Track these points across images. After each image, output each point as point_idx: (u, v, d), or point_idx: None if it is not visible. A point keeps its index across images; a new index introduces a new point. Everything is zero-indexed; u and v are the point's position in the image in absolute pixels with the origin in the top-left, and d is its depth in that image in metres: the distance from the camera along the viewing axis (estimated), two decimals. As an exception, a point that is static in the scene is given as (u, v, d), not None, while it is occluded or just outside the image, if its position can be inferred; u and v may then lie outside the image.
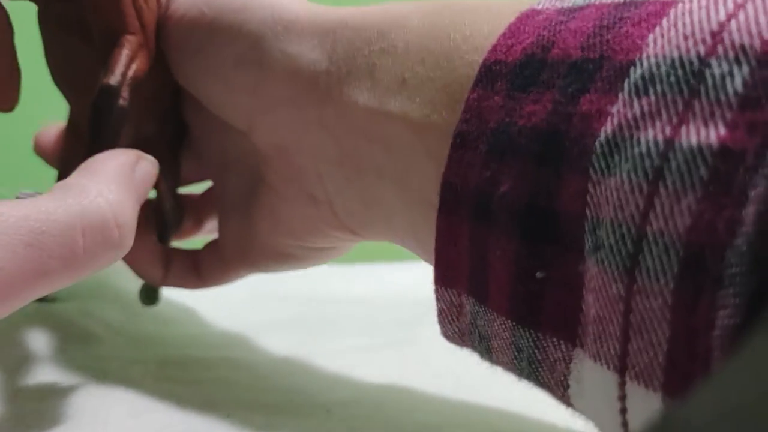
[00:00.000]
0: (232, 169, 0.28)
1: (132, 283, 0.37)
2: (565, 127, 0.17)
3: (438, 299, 0.21)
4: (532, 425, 0.24)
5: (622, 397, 0.16)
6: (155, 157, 0.23)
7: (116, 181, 0.20)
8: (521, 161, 0.17)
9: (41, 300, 0.30)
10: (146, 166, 0.22)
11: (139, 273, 0.30)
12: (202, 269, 0.30)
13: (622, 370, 0.15)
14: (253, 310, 0.38)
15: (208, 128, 0.28)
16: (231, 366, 0.29)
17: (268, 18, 0.24)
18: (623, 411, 0.16)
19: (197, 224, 0.32)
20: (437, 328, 0.31)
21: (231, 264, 0.29)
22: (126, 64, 0.23)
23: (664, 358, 0.14)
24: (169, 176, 0.29)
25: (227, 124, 0.26)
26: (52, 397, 0.24)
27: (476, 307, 0.19)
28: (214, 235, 0.30)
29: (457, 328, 0.21)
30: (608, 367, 0.16)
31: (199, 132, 0.29)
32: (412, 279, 0.42)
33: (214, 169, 0.30)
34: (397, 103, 0.21)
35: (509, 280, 0.18)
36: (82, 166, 0.21)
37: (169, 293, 0.38)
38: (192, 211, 0.32)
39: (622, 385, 0.15)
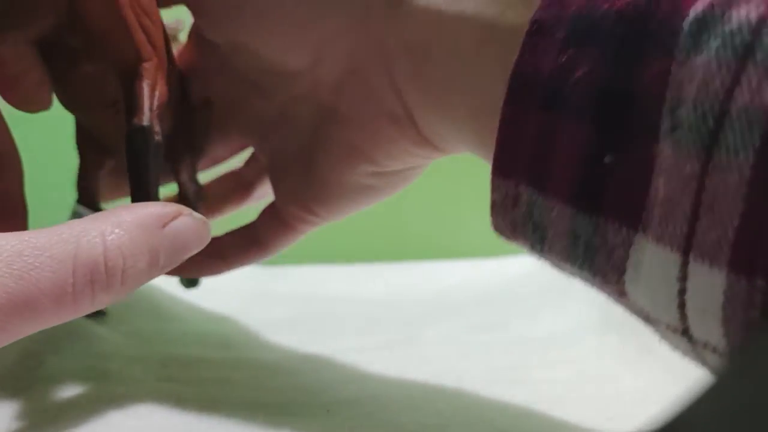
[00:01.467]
0: (280, 123, 0.28)
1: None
2: (652, 8, 0.17)
3: (493, 191, 0.21)
4: (533, 424, 0.24)
5: (683, 278, 0.16)
6: (172, 150, 0.23)
7: (128, 227, 0.19)
8: (601, 45, 0.18)
9: (89, 316, 0.31)
10: (185, 222, 0.20)
11: (199, 273, 0.30)
12: (263, 237, 0.29)
13: (686, 250, 0.16)
14: (254, 309, 0.38)
15: (241, 95, 0.28)
16: (232, 365, 0.29)
17: None
18: (682, 292, 0.16)
19: (246, 194, 0.32)
20: (437, 327, 0.31)
21: (295, 222, 0.28)
22: (150, 97, 0.23)
23: (733, 234, 0.15)
24: (189, 165, 0.29)
25: (271, 77, 0.26)
26: (53, 397, 0.24)
27: (534, 197, 0.19)
28: (266, 200, 0.30)
29: (510, 219, 0.21)
30: (672, 249, 0.16)
31: (230, 104, 0.29)
32: (412, 279, 0.42)
33: (255, 134, 0.29)
34: (471, 2, 0.21)
35: (575, 165, 0.18)
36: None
37: (171, 293, 0.38)
38: (238, 184, 0.31)
39: (684, 265, 0.16)
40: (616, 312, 0.34)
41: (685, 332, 0.17)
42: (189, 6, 0.26)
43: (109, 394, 0.24)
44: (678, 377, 0.28)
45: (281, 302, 0.39)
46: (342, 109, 0.25)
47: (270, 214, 0.29)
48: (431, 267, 0.44)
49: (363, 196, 0.27)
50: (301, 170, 0.27)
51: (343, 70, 0.24)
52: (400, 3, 0.22)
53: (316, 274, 0.44)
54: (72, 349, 0.28)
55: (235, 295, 0.40)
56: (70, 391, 0.25)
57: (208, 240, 0.21)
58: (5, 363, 0.26)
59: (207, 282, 0.41)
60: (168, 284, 0.38)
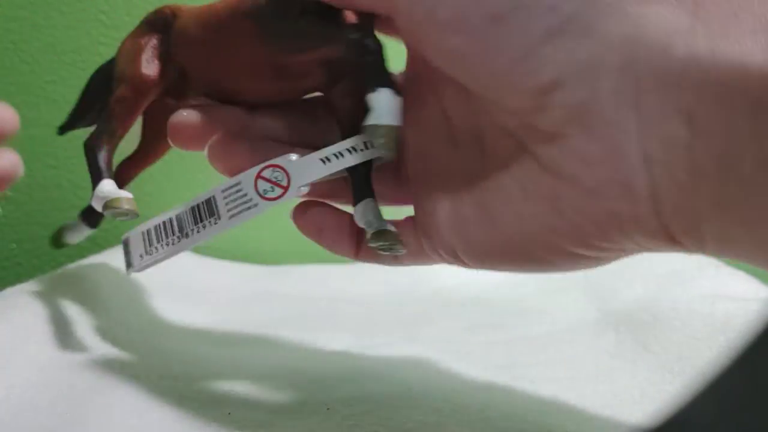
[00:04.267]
0: (472, 153, 0.24)
1: (132, 282, 0.37)
2: None
3: None
4: (531, 423, 0.24)
5: None
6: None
7: None
8: None
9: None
10: None
11: (331, 249, 0.27)
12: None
13: None
14: (255, 308, 0.38)
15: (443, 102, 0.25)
16: (232, 364, 0.29)
17: None
18: None
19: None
20: (437, 327, 0.31)
21: (437, 251, 0.25)
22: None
23: None
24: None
25: (479, 102, 0.23)
26: (55, 396, 0.24)
27: None
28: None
29: None
30: None
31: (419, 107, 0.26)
32: (412, 279, 0.42)
33: (436, 143, 0.26)
34: None
35: None
36: None
37: (171, 293, 0.38)
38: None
39: None
40: (613, 311, 0.34)
41: None
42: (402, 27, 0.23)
43: (111, 393, 0.25)
44: (675, 375, 0.28)
45: (281, 302, 0.39)
46: (550, 158, 0.21)
47: (411, 225, 0.26)
48: (431, 268, 0.44)
49: (530, 265, 0.24)
50: (479, 215, 0.24)
51: (572, 115, 0.20)
52: (690, 49, 0.18)
53: (316, 274, 0.44)
54: (73, 350, 0.28)
55: (235, 295, 0.40)
56: (71, 390, 0.25)
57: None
58: (5, 363, 0.26)
59: (207, 282, 0.42)
60: (168, 284, 0.38)
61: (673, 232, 0.20)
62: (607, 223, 0.21)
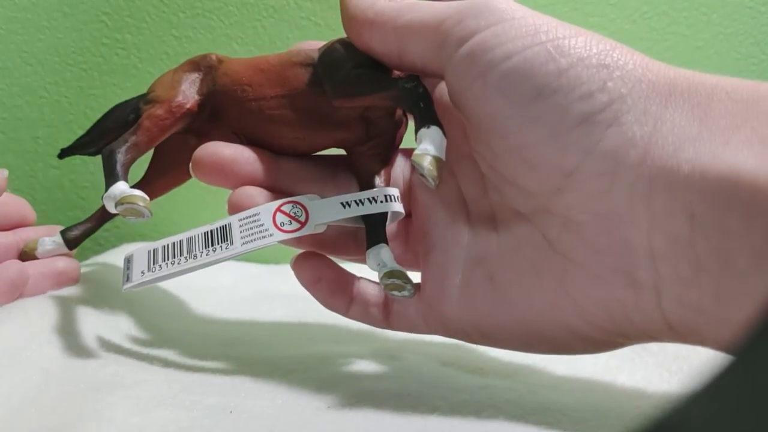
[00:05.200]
0: (483, 220, 0.25)
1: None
2: None
3: None
4: (531, 423, 0.24)
5: None
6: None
7: None
8: None
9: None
10: None
11: (324, 301, 0.28)
12: (393, 309, 0.28)
13: None
14: (256, 308, 0.38)
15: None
16: (233, 363, 0.29)
17: (636, 82, 0.21)
18: None
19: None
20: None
21: (439, 323, 0.26)
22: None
23: None
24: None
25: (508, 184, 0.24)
26: (57, 395, 0.24)
27: None
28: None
29: None
30: None
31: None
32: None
33: (450, 217, 0.27)
34: None
35: None
36: None
37: (172, 293, 0.38)
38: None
39: None
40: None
41: None
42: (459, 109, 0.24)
43: (112, 392, 0.25)
44: (673, 374, 0.28)
45: (282, 302, 0.39)
46: (565, 247, 0.23)
47: (412, 303, 0.27)
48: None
49: (547, 344, 0.24)
50: (489, 290, 0.25)
51: (590, 211, 0.22)
52: (695, 156, 0.19)
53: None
54: (74, 349, 0.28)
55: (235, 295, 0.40)
56: (74, 387, 0.25)
57: None
58: (7, 362, 0.26)
59: (208, 282, 0.42)
60: (169, 284, 0.39)
61: (675, 326, 0.21)
62: (614, 310, 0.22)
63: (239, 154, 0.27)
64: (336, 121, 0.27)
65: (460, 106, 0.24)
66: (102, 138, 0.31)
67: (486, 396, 0.26)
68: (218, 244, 0.26)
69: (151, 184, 0.32)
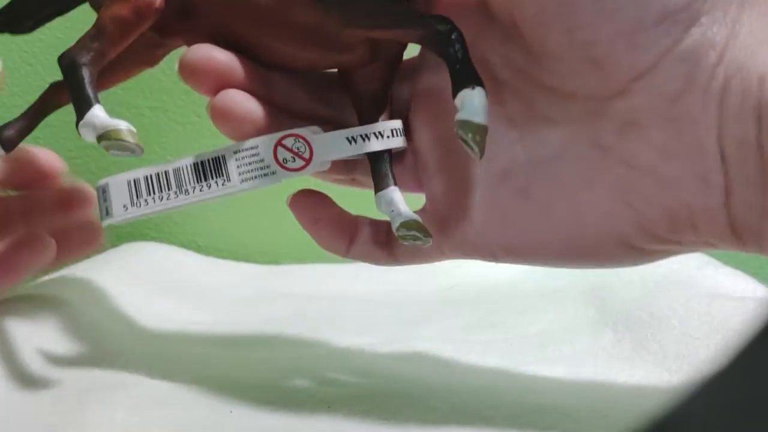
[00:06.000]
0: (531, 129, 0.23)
1: (134, 282, 0.37)
2: None
3: None
4: (531, 423, 0.24)
5: None
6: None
7: None
8: None
9: None
10: None
11: (323, 242, 0.26)
12: (397, 244, 0.26)
13: None
14: (256, 307, 0.38)
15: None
16: (233, 364, 0.29)
17: None
18: None
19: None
20: (436, 327, 0.31)
21: (456, 247, 0.25)
22: None
23: None
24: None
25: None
26: (58, 395, 0.24)
27: None
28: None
29: None
30: None
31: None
32: (412, 279, 0.42)
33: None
34: None
35: None
36: None
37: (173, 294, 0.38)
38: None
39: None
40: (612, 310, 0.35)
41: None
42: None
43: (113, 391, 0.25)
44: (673, 374, 0.28)
45: (281, 302, 0.39)
46: (629, 150, 0.21)
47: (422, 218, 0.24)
48: (431, 267, 0.44)
49: (592, 259, 0.23)
50: (525, 208, 0.23)
51: (658, 110, 0.21)
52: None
53: (317, 274, 0.44)
54: (76, 349, 0.28)
55: (235, 295, 0.40)
56: (73, 388, 0.25)
57: None
58: (8, 361, 0.26)
59: (208, 281, 0.42)
60: (170, 284, 0.39)
61: (739, 228, 0.20)
62: (679, 214, 0.21)
63: (234, 61, 0.24)
64: (339, 45, 0.24)
65: None
66: (29, 17, 0.27)
67: (486, 396, 0.26)
68: (212, 179, 0.23)
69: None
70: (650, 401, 0.26)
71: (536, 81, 0.23)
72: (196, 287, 0.39)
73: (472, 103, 0.21)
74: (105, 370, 0.26)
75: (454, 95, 0.21)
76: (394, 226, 0.24)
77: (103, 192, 0.23)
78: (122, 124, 0.22)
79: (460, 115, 0.20)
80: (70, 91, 0.23)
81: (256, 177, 0.23)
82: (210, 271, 0.43)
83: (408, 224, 0.23)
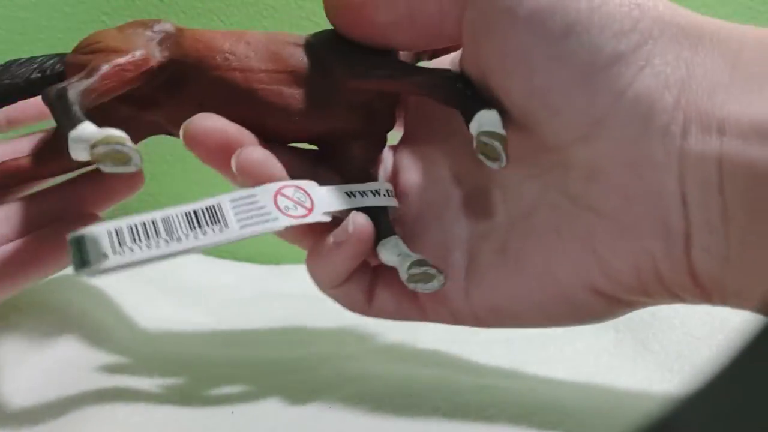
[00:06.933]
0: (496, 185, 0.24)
1: (134, 283, 0.37)
2: None
3: None
4: (532, 423, 0.24)
5: None
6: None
7: None
8: None
9: None
10: None
11: (337, 299, 0.26)
12: (424, 298, 0.25)
13: None
14: (257, 307, 0.38)
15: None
16: (233, 364, 0.29)
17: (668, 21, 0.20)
18: None
19: None
20: (436, 327, 0.31)
21: (435, 309, 0.25)
22: None
23: None
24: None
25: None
26: (58, 394, 0.24)
27: None
28: None
29: None
30: None
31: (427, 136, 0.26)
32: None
33: (445, 193, 0.26)
34: None
35: None
36: None
37: (173, 294, 0.38)
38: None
39: None
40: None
41: None
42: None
43: (114, 391, 0.25)
44: (674, 374, 0.28)
45: (281, 302, 0.39)
46: (591, 198, 0.22)
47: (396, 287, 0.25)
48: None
49: (562, 313, 0.23)
50: (502, 263, 0.24)
51: (620, 158, 0.21)
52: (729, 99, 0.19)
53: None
54: (76, 349, 0.28)
55: (235, 295, 0.40)
56: (73, 388, 0.25)
57: None
58: (8, 361, 0.26)
59: (208, 281, 0.42)
60: (170, 285, 0.39)
61: (702, 278, 0.20)
62: (643, 263, 0.21)
63: (243, 133, 0.24)
64: (336, 106, 0.25)
65: (480, 46, 0.22)
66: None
67: (487, 396, 0.26)
68: (208, 226, 0.22)
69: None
70: (652, 401, 0.26)
71: (510, 136, 0.23)
72: (197, 287, 0.39)
73: (491, 118, 0.22)
74: (105, 370, 0.26)
75: (470, 120, 0.22)
76: (404, 267, 0.24)
77: (78, 244, 0.20)
78: (118, 131, 0.21)
79: (483, 128, 0.22)
80: (55, 115, 0.22)
81: (256, 223, 0.22)
82: (209, 272, 0.43)
83: (420, 261, 0.24)
